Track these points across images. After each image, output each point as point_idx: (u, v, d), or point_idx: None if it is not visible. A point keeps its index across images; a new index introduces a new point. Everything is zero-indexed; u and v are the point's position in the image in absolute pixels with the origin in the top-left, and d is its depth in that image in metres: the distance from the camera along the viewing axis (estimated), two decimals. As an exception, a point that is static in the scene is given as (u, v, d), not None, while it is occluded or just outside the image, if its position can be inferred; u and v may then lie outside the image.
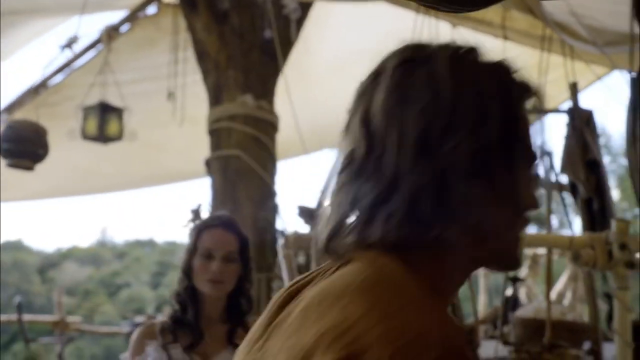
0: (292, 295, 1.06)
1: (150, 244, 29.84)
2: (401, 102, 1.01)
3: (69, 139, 5.34)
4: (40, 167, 5.03)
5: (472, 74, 1.03)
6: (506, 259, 1.07)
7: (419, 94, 1.01)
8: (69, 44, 5.06)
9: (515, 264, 1.09)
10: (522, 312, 3.95)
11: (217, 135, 5.31)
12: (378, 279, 0.97)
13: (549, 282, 3.82)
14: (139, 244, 29.53)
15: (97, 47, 5.70)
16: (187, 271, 2.77)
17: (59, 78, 5.90)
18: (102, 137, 5.43)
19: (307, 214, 4.46)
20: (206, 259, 2.75)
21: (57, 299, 7.21)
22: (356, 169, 1.03)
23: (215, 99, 5.33)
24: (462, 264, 1.04)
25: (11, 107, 6.08)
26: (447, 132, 0.98)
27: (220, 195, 5.30)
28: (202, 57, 5.36)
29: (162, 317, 2.87)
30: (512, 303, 4.96)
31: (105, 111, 5.40)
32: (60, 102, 5.66)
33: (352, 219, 1.02)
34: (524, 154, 1.05)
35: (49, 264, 26.51)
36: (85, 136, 5.40)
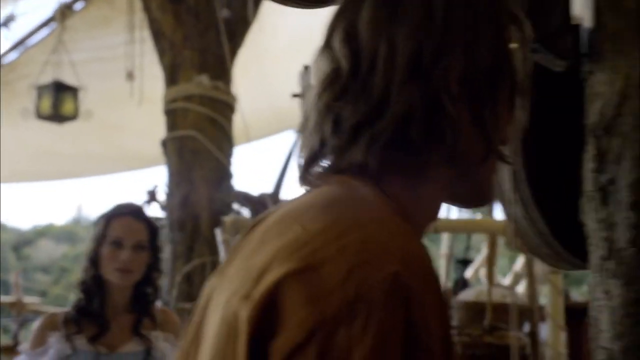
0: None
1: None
2: (391, 19, 0.95)
3: (23, 119, 5.30)
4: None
5: None
6: (479, 194, 1.03)
7: (411, 11, 0.95)
8: (5, 23, 5.01)
9: (486, 199, 1.04)
10: (463, 296, 3.97)
11: (173, 115, 5.27)
12: (345, 197, 0.91)
13: (491, 265, 3.85)
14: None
15: (51, 25, 5.64)
16: (94, 259, 2.71)
17: (13, 56, 5.84)
18: (57, 116, 5.38)
19: (243, 199, 4.45)
20: (115, 247, 2.71)
21: (14, 280, 7.18)
22: (340, 88, 0.95)
23: (171, 79, 5.29)
24: (437, 196, 0.99)
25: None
26: (439, 52, 0.93)
27: (176, 177, 5.27)
28: (157, 36, 5.31)
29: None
30: (461, 285, 4.98)
31: (60, 90, 5.35)
32: (15, 81, 5.61)
33: (332, 142, 0.95)
34: (509, 83, 1.00)
35: (25, 241, 26.38)
36: (40, 115, 5.36)
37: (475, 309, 3.69)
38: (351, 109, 0.93)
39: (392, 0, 0.95)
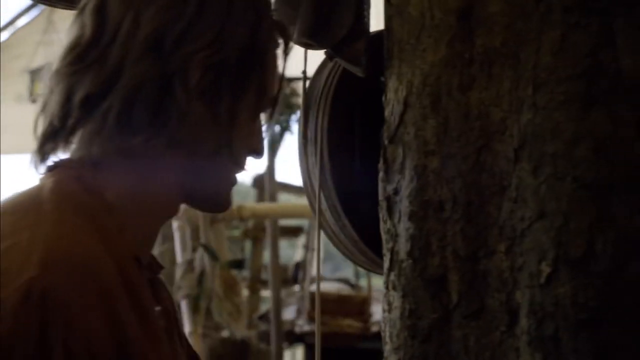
0: None
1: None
2: None
3: (17, 102, 5.37)
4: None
5: None
6: (215, 197, 1.03)
7: None
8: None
9: (223, 205, 1.04)
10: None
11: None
12: (26, 199, 0.90)
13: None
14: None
15: (39, 6, 5.67)
16: None
17: (4, 36, 5.91)
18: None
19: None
20: None
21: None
22: (77, 55, 0.93)
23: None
24: (170, 185, 0.98)
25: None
26: (183, 37, 0.93)
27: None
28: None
29: None
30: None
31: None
32: (7, 61, 5.66)
33: (62, 121, 0.93)
34: (260, 91, 1.00)
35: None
36: (34, 100, 5.42)
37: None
38: (85, 79, 0.92)
39: None
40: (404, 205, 1.18)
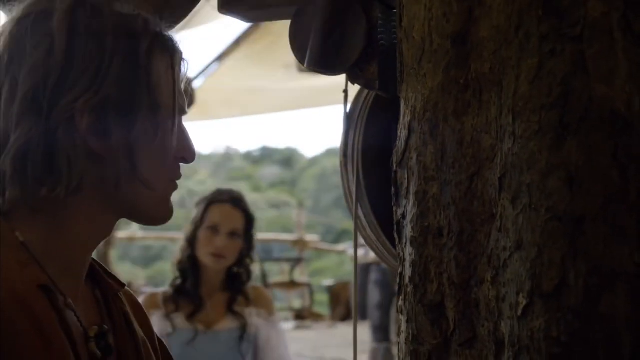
0: None
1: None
2: (16, 60, 1.01)
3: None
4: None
5: (95, 25, 1.02)
6: (147, 215, 1.10)
7: (32, 50, 1.00)
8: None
9: (162, 219, 1.12)
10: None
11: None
12: None
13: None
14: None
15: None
16: (191, 241, 2.96)
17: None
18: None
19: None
20: (211, 232, 2.93)
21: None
22: None
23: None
24: (92, 220, 1.06)
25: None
26: (59, 89, 0.99)
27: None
28: None
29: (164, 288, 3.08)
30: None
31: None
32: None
33: None
34: (154, 109, 1.05)
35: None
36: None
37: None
38: None
39: (15, 43, 1.01)
40: (407, 230, 1.20)
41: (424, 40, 1.19)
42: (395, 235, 1.25)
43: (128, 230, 10.82)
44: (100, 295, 1.15)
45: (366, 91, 1.45)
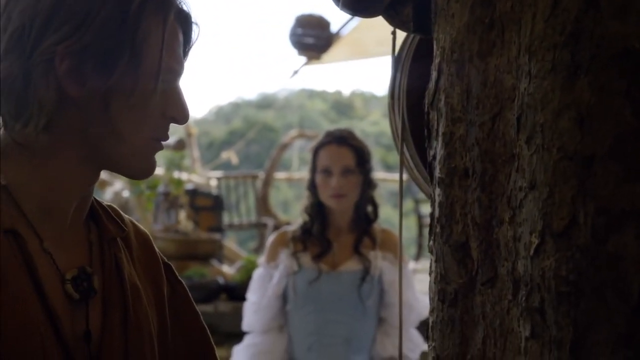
0: None
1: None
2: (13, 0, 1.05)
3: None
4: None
5: None
6: (124, 165, 1.13)
7: None
8: None
9: (137, 173, 1.15)
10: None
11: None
12: None
13: None
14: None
15: None
16: (312, 189, 3.01)
17: None
18: None
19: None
20: (326, 175, 2.97)
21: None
22: None
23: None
24: (72, 166, 1.10)
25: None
26: (43, 30, 1.03)
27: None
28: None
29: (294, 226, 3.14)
30: None
31: None
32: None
33: None
34: (135, 66, 1.07)
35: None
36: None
37: None
38: None
39: None
40: (436, 171, 1.21)
41: (453, -21, 1.18)
42: (429, 177, 1.26)
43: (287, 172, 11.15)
44: (95, 240, 1.19)
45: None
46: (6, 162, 1.09)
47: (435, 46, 1.24)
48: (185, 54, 1.18)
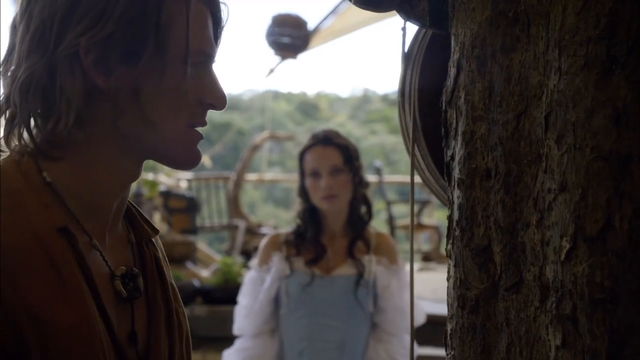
0: None
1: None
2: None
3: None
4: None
5: None
6: (166, 155, 1.10)
7: None
8: None
9: (181, 163, 1.12)
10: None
11: None
12: None
13: None
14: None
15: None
16: (303, 194, 2.95)
17: None
18: None
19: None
20: (314, 178, 2.90)
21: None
22: (3, 59, 1.07)
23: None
24: (112, 160, 1.07)
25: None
26: (65, 24, 1.01)
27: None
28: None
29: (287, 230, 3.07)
30: None
31: None
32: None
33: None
34: (161, 51, 1.04)
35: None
36: None
37: None
38: (4, 81, 1.06)
39: None
40: (455, 172, 1.16)
41: (473, -28, 1.14)
42: (445, 178, 1.21)
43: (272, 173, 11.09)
44: (134, 240, 1.16)
45: (423, 29, 1.40)
46: (46, 162, 1.05)
47: (453, 42, 1.19)
48: (217, 35, 1.12)
